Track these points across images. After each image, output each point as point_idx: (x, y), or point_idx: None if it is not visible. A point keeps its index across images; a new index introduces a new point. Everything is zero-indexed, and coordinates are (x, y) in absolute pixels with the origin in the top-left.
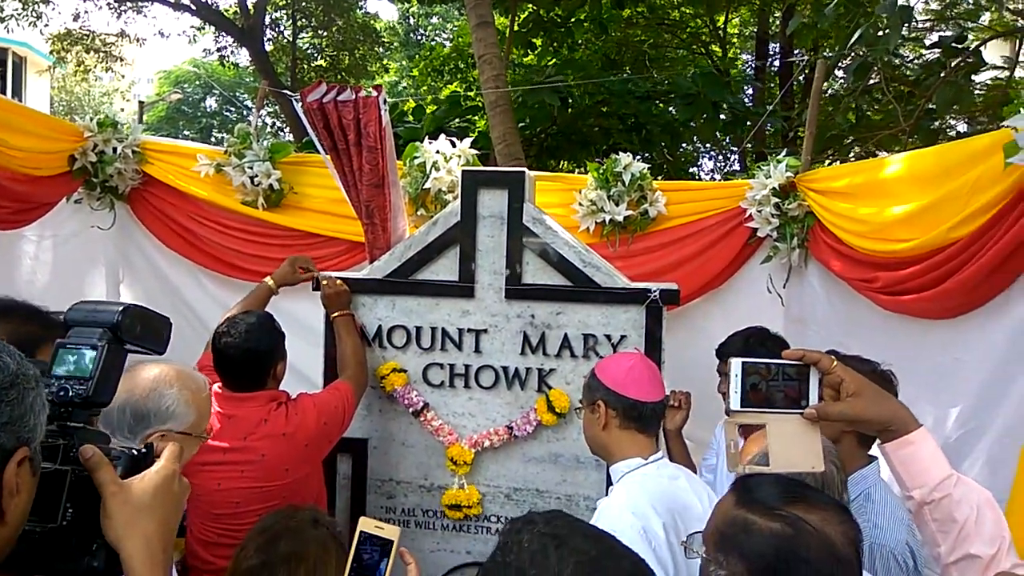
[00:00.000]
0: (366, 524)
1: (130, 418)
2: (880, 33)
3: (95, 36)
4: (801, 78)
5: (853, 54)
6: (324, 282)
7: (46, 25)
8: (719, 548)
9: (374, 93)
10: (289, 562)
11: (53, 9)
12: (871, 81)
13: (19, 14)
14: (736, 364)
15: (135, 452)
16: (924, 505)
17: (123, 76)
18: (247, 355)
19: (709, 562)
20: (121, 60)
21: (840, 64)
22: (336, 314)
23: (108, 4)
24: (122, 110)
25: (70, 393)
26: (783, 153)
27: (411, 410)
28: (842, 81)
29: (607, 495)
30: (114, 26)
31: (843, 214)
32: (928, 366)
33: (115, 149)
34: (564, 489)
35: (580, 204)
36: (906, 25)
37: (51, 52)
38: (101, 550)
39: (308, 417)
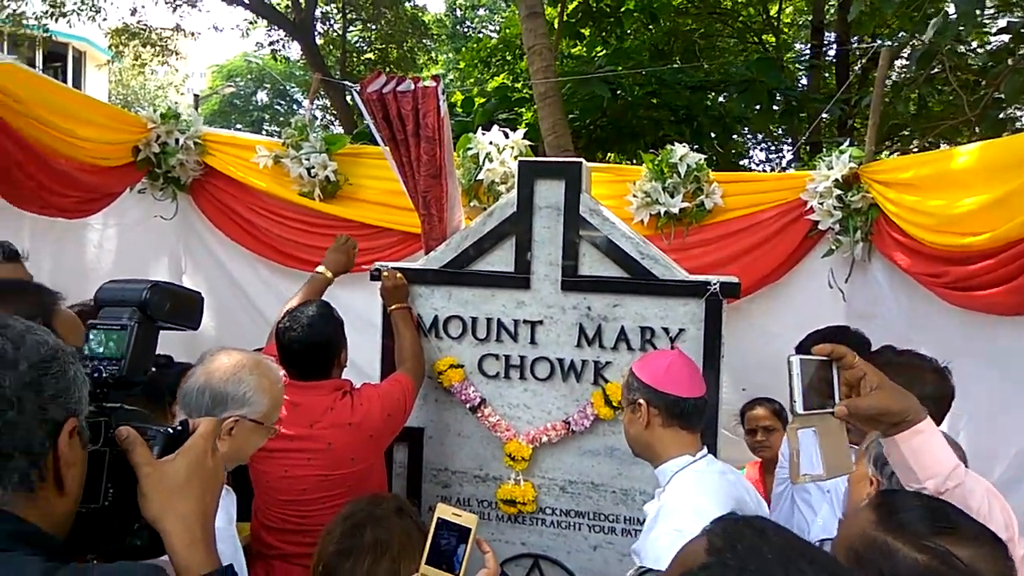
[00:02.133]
0: (444, 511)
1: (208, 400)
2: (951, 18)
3: (152, 31)
4: (858, 67)
5: (916, 41)
6: (384, 274)
7: (104, 20)
8: (853, 566)
9: (433, 84)
10: (375, 550)
11: (111, 4)
12: (934, 70)
13: (79, 9)
14: (796, 362)
15: (171, 431)
16: (938, 495)
17: (177, 70)
18: (312, 347)
19: None
20: (176, 54)
21: (902, 52)
22: (394, 307)
23: None
24: (176, 103)
25: (104, 374)
26: (846, 143)
27: (468, 405)
28: (903, 70)
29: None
30: (170, 21)
31: (910, 206)
32: (1001, 364)
33: (177, 140)
34: (620, 483)
35: (634, 196)
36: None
37: (109, 47)
38: (143, 529)
39: (373, 408)
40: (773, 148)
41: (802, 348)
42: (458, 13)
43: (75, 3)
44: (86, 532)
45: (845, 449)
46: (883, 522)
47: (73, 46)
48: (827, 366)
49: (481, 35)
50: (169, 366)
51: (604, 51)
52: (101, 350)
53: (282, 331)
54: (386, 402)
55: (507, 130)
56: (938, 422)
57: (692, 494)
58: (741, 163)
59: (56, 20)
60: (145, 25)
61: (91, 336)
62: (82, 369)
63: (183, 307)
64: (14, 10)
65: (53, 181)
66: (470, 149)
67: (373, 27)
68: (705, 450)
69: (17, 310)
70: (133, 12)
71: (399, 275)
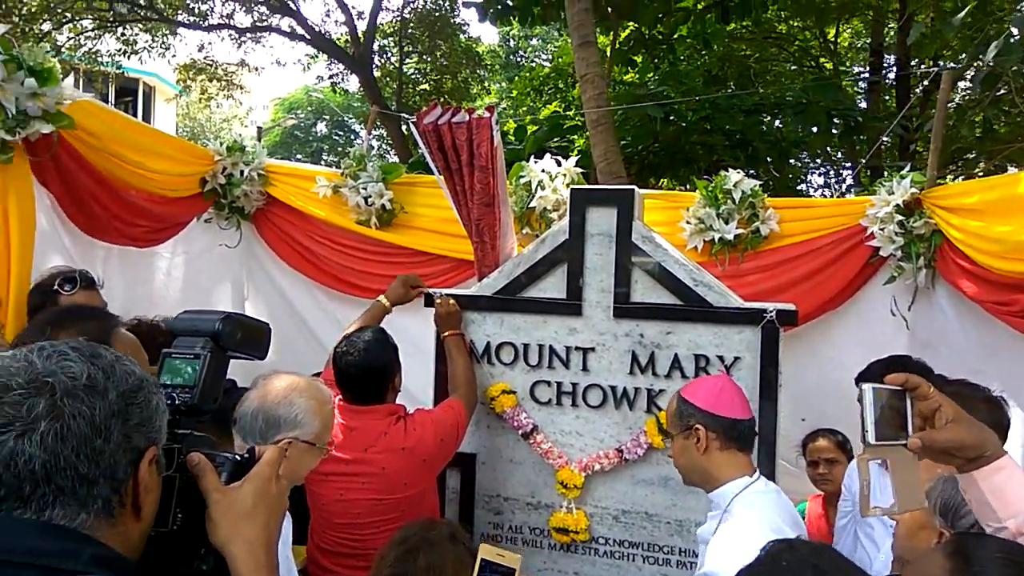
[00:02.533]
0: (487, 552)
1: (262, 423)
2: (1013, 40)
3: (217, 66)
4: (919, 90)
5: (979, 64)
6: (437, 300)
7: (174, 56)
8: None
9: (487, 114)
10: (428, 575)
11: (180, 41)
12: (999, 91)
13: (150, 47)
14: (868, 391)
15: (238, 458)
16: (1020, 535)
17: (241, 103)
18: (367, 372)
19: None
20: (241, 88)
21: (965, 75)
22: (447, 333)
23: (230, 36)
24: (240, 135)
25: (176, 401)
26: (907, 168)
27: (520, 432)
28: (966, 92)
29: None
30: (235, 56)
31: (975, 232)
32: None
33: (242, 172)
34: (674, 514)
35: (688, 222)
36: None
37: (177, 81)
38: (210, 554)
39: (427, 433)
40: (832, 172)
41: (864, 377)
42: (511, 43)
43: (147, 41)
44: (155, 556)
45: (918, 483)
46: (959, 572)
47: (144, 81)
48: (900, 396)
49: (534, 64)
50: (232, 391)
51: (656, 77)
52: (175, 378)
53: (339, 355)
54: (439, 428)
55: (559, 158)
56: None
57: (766, 512)
58: (799, 187)
59: (128, 57)
60: (212, 61)
61: (166, 364)
62: (163, 399)
63: (253, 337)
64: (90, 48)
65: (126, 212)
66: (522, 177)
67: (428, 59)
68: (759, 472)
69: (80, 333)
70: (200, 48)
71: (452, 302)
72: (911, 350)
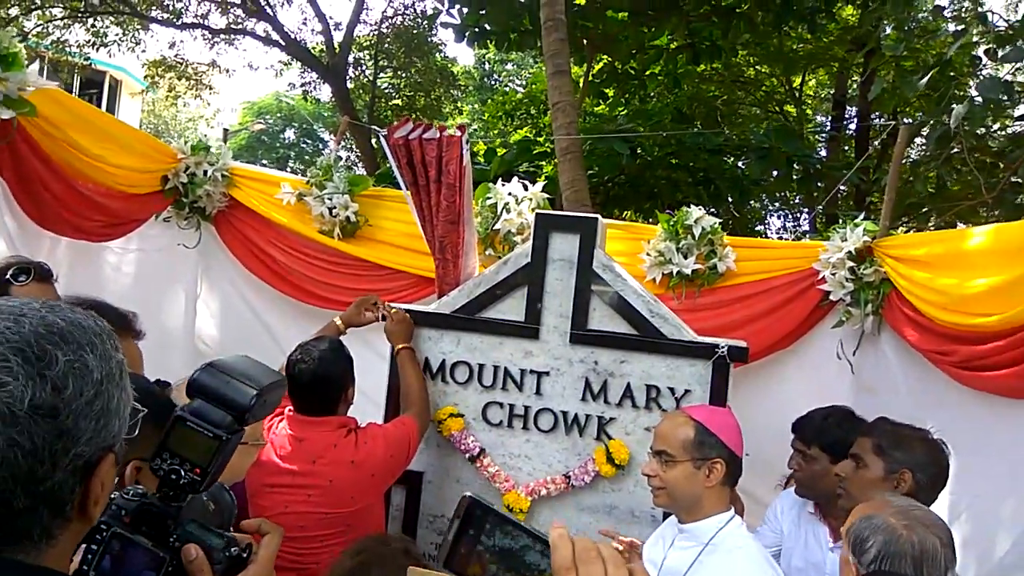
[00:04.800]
0: (416, 574)
1: None
2: (976, 104)
3: (188, 64)
4: (877, 143)
5: (934, 121)
6: (390, 313)
7: (143, 51)
8: None
9: (458, 133)
10: None
11: (151, 36)
12: (952, 150)
13: (121, 40)
14: None
15: (234, 554)
16: None
17: (209, 104)
18: (319, 381)
19: None
20: (210, 88)
21: (921, 132)
22: (400, 347)
23: (203, 35)
24: (205, 136)
25: (183, 478)
26: (860, 216)
27: (467, 455)
28: (922, 148)
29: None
30: (206, 56)
31: (922, 283)
32: (1008, 446)
33: (206, 172)
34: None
35: (648, 254)
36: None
37: (145, 77)
38: None
39: (377, 448)
40: (790, 216)
41: (802, 424)
42: (486, 66)
43: (117, 34)
44: None
45: None
46: None
47: (110, 74)
48: None
49: (507, 88)
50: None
51: (626, 111)
52: (189, 452)
53: (292, 362)
54: (390, 443)
55: (526, 182)
56: (934, 496)
57: (753, 547)
58: (757, 228)
59: (97, 49)
60: (182, 59)
61: (181, 429)
62: (126, 395)
63: (272, 404)
64: (58, 37)
65: (79, 204)
66: (489, 198)
67: (403, 75)
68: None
69: None
70: (172, 45)
71: (403, 313)
72: (855, 394)
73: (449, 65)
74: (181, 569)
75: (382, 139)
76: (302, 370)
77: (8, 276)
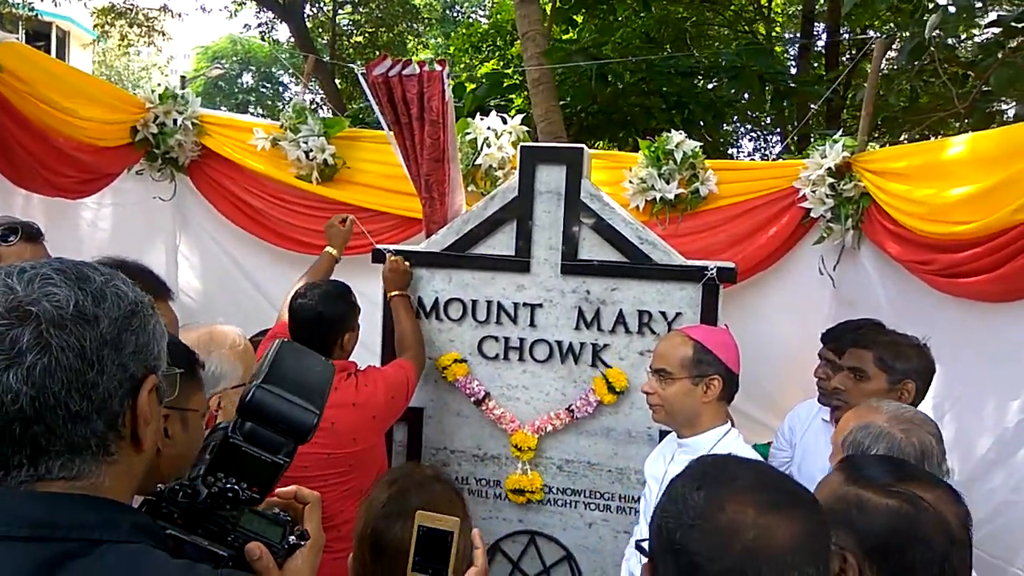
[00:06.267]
0: (423, 518)
1: None
2: (950, 12)
3: (138, 11)
4: (845, 58)
5: (906, 34)
6: (390, 258)
7: None
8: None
9: (438, 68)
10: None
11: None
12: (924, 62)
13: None
14: None
15: (292, 544)
16: None
17: (161, 51)
18: (317, 318)
19: None
20: (163, 34)
21: (892, 45)
22: (394, 293)
23: None
24: (163, 84)
25: (241, 496)
26: (839, 133)
27: (472, 399)
28: (891, 62)
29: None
30: (157, 0)
31: (900, 195)
32: (985, 350)
33: (175, 121)
34: (616, 463)
35: (630, 182)
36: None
37: (95, 27)
38: None
39: (377, 390)
40: (762, 137)
41: (833, 335)
42: None
43: None
44: None
45: None
46: (850, 479)
47: (57, 25)
48: None
49: (472, 20)
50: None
51: (595, 36)
52: (249, 475)
53: (295, 297)
54: (390, 385)
55: (504, 116)
56: (922, 396)
57: (753, 457)
58: (730, 152)
59: None
60: (131, 5)
61: (241, 451)
62: (161, 323)
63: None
64: None
65: (53, 160)
66: (468, 134)
67: (363, 10)
68: (730, 422)
69: None
70: None
71: (403, 261)
72: (836, 308)
73: None
74: (241, 560)
75: (360, 77)
76: (302, 305)
77: None
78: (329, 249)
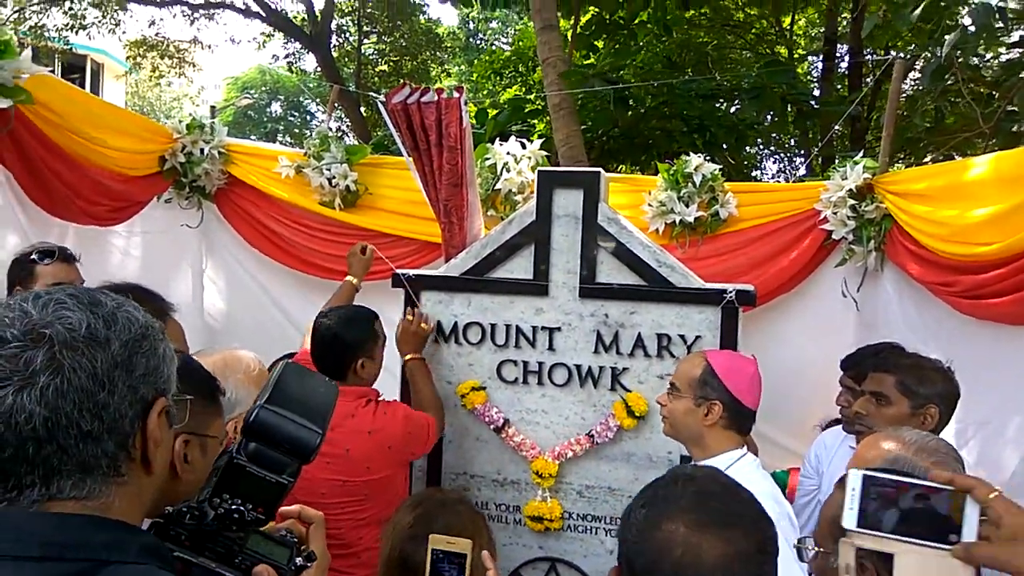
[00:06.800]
0: (437, 541)
1: None
2: (969, 32)
3: (169, 43)
4: (870, 79)
5: (928, 55)
6: (408, 318)
7: (124, 32)
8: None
9: (456, 95)
10: (447, 534)
11: (131, 17)
12: (948, 82)
13: (100, 22)
14: (856, 477)
15: (299, 565)
16: None
17: (192, 81)
18: (333, 339)
19: (828, 555)
20: (193, 66)
21: (915, 65)
22: (409, 357)
23: (182, 12)
24: (191, 115)
25: (247, 517)
26: (859, 154)
27: (492, 427)
28: (915, 82)
29: None
30: (187, 33)
31: (923, 216)
32: (1009, 373)
33: (202, 150)
34: (636, 488)
35: (650, 205)
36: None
37: (127, 59)
38: None
39: (396, 422)
40: (785, 159)
41: (853, 361)
42: (471, 26)
43: (96, 16)
44: None
45: None
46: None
47: (92, 58)
48: (949, 495)
49: (494, 47)
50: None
51: (610, 61)
52: (254, 494)
53: (319, 316)
54: (409, 421)
55: (524, 140)
56: (946, 421)
57: (765, 484)
58: (753, 174)
59: (77, 33)
60: (163, 37)
61: (245, 472)
62: (171, 347)
63: None
64: (36, 22)
65: (87, 189)
66: (488, 159)
67: (388, 39)
68: (746, 448)
69: None
70: (151, 24)
71: (423, 320)
72: (858, 331)
73: (433, 27)
74: None
75: (380, 105)
76: (323, 323)
77: (33, 256)
78: (350, 278)
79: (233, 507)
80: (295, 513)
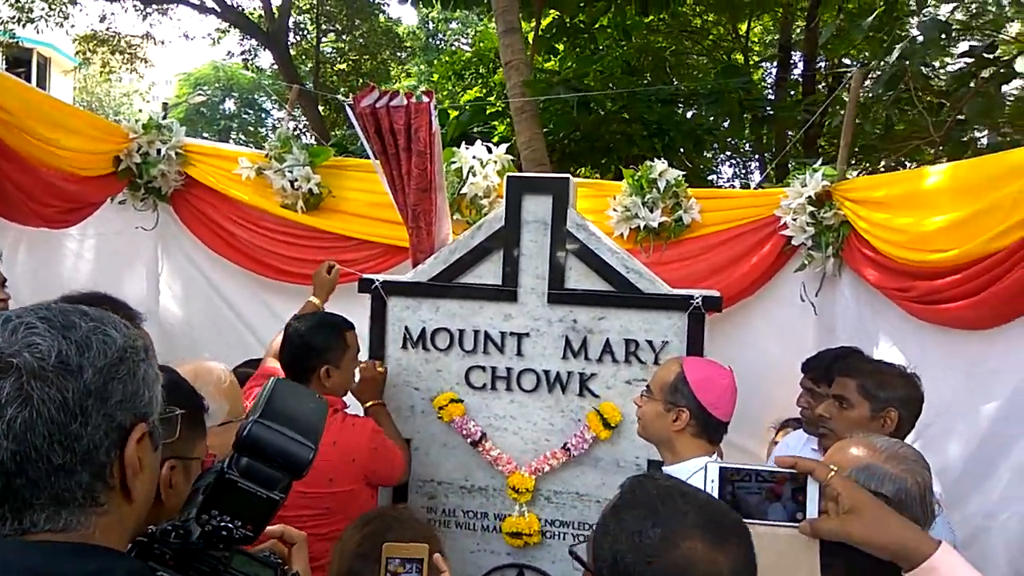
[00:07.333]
0: (392, 549)
1: None
2: (918, 43)
3: (120, 38)
4: (822, 86)
5: (883, 63)
6: (362, 365)
7: (72, 26)
8: None
9: (426, 99)
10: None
11: (80, 11)
12: (901, 91)
13: (47, 15)
14: (713, 469)
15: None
16: None
17: (143, 77)
18: (300, 343)
19: None
20: (145, 62)
21: (870, 74)
22: (369, 404)
23: (134, 6)
24: (140, 111)
25: (235, 534)
26: (818, 162)
27: (469, 440)
28: (867, 90)
29: None
30: (139, 28)
31: (880, 224)
32: (961, 376)
33: (159, 151)
34: (604, 493)
35: (614, 210)
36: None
37: (76, 53)
38: None
39: (362, 436)
40: (741, 163)
41: (815, 363)
42: (430, 26)
43: (43, 9)
44: None
45: (809, 564)
46: None
47: (38, 52)
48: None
49: (454, 48)
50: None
51: (573, 65)
52: (243, 511)
53: (289, 323)
54: (377, 439)
55: (489, 145)
56: (910, 427)
57: None
58: (710, 179)
59: (24, 26)
60: (114, 32)
61: (236, 488)
62: (153, 368)
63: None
64: None
65: (39, 190)
66: (454, 163)
67: (346, 38)
68: (716, 454)
69: None
70: (102, 19)
71: (379, 366)
72: (817, 334)
73: (393, 26)
74: None
75: (346, 108)
76: (293, 327)
77: None
78: (312, 299)
79: (221, 524)
80: (277, 533)
